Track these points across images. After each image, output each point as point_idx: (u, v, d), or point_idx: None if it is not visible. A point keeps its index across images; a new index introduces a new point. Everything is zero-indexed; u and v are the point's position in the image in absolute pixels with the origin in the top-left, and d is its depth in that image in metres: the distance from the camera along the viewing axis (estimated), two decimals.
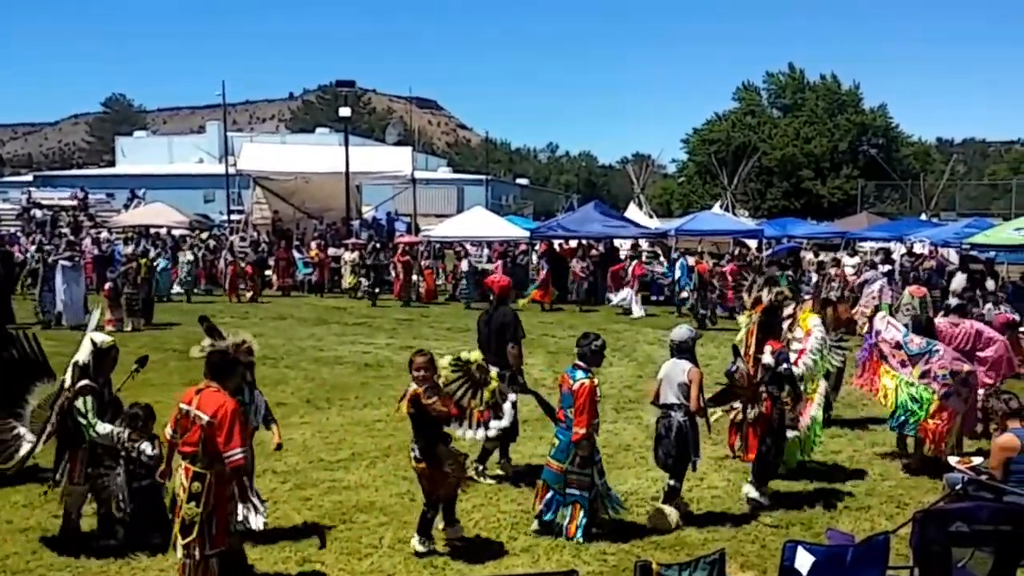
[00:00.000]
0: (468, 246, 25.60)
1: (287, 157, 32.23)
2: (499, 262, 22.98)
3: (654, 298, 22.24)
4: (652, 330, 17.51)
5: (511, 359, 7.59)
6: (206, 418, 4.89)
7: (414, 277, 22.97)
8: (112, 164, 68.43)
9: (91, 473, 5.96)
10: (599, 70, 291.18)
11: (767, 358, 6.88)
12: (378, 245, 24.46)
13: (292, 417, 9.84)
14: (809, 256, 26.08)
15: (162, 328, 17.30)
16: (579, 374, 6.26)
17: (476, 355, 6.45)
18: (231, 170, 34.33)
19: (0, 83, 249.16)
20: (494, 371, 6.48)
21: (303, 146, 41.21)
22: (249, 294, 22.56)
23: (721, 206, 38.78)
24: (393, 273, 22.96)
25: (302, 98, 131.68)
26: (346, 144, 28.96)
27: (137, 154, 64.15)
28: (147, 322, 17.53)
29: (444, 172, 64.65)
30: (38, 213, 35.28)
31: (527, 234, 25.45)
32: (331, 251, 24.76)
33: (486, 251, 25.73)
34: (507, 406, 6.38)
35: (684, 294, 19.71)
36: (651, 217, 35.89)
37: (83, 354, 6.03)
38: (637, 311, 19.93)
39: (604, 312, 20.72)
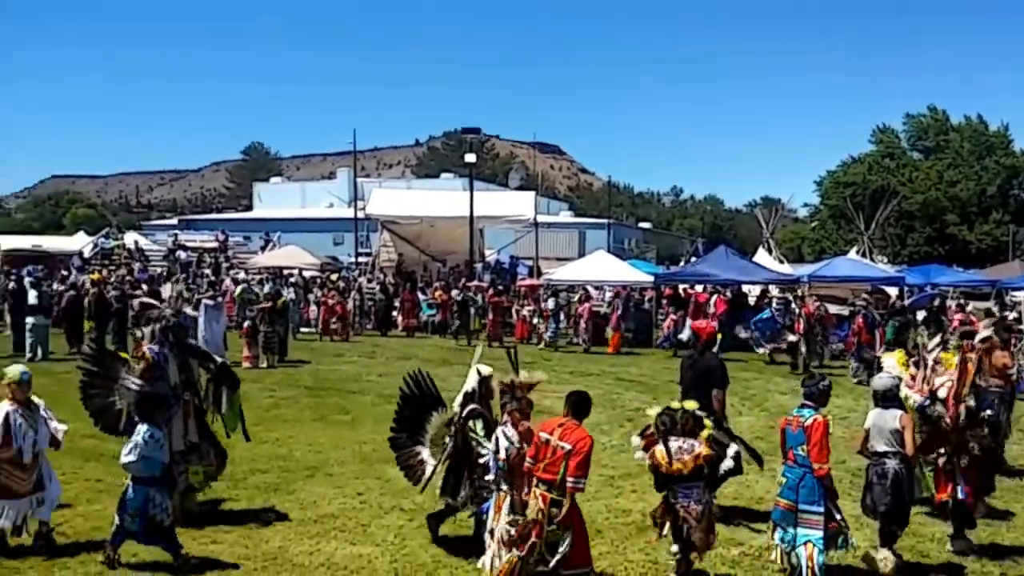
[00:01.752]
0: (590, 289, 25.63)
1: (413, 202, 33.41)
2: (617, 302, 22.98)
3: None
4: (783, 379, 16.93)
5: (716, 404, 7.60)
6: (568, 447, 5.52)
7: (535, 321, 23.17)
8: (249, 208, 72.86)
9: (475, 488, 6.65)
10: (726, 113, 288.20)
11: (970, 401, 7.01)
12: (500, 288, 24.88)
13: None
14: (952, 305, 24.64)
15: (295, 365, 18.12)
16: (807, 412, 6.34)
17: (691, 404, 6.54)
18: (360, 214, 35.85)
19: (150, 133, 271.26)
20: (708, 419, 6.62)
21: (429, 191, 42.62)
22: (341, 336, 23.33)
23: (858, 251, 37.28)
24: (489, 314, 23.25)
25: (428, 144, 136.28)
26: (471, 189, 29.75)
27: (273, 199, 68.03)
28: (281, 359, 18.42)
29: (566, 216, 65.11)
30: (183, 254, 37.87)
31: (651, 278, 25.24)
32: (454, 293, 25.33)
33: (607, 294, 25.75)
34: (731, 450, 6.75)
35: (791, 337, 19.23)
36: (781, 262, 34.90)
37: (471, 383, 6.82)
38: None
39: (730, 361, 20.19)
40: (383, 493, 8.46)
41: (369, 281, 29.17)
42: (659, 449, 6.23)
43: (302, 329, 24.01)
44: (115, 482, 8.45)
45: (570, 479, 5.53)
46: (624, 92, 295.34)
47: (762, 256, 33.39)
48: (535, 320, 23.43)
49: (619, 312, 22.24)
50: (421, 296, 26.39)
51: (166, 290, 20.99)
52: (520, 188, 43.44)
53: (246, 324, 18.56)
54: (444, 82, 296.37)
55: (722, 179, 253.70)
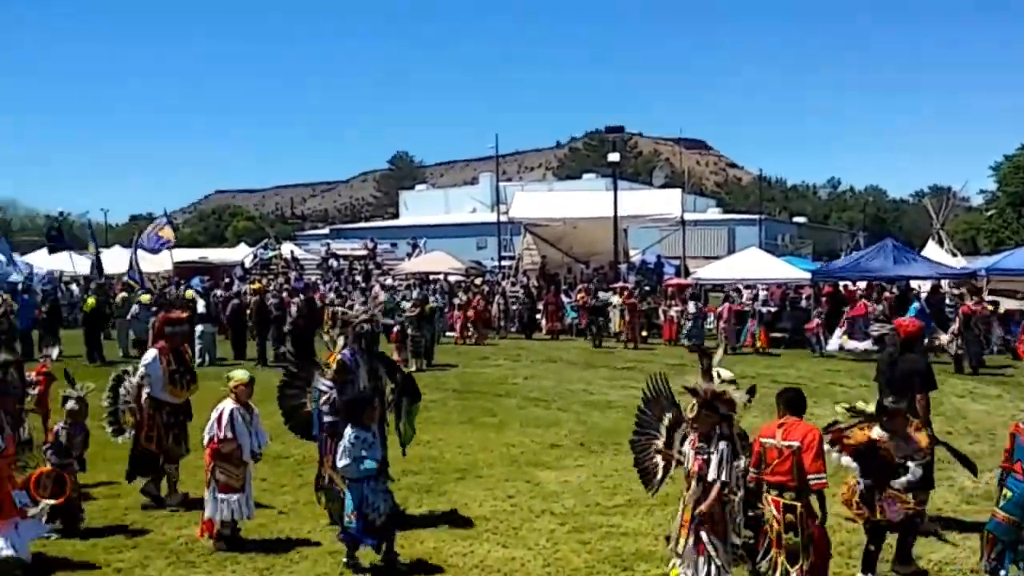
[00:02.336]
0: (741, 288, 24.87)
1: (556, 204, 33.59)
2: (762, 302, 22.26)
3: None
4: (959, 381, 15.80)
5: (920, 409, 7.22)
6: (796, 444, 5.42)
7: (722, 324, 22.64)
8: (396, 216, 75.64)
9: None
10: (886, 98, 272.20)
11: None
12: (647, 288, 24.57)
13: (567, 460, 10.09)
14: None
15: (442, 369, 18.61)
16: None
17: (871, 407, 6.38)
18: (502, 218, 36.37)
19: (303, 147, 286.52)
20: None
21: (571, 192, 42.71)
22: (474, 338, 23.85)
23: None
24: (623, 315, 23.01)
25: (569, 146, 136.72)
26: (614, 188, 29.56)
27: (418, 206, 70.36)
28: (429, 363, 18.97)
29: (714, 213, 63.64)
30: (334, 263, 39.79)
31: (807, 275, 24.17)
32: (600, 295, 25.22)
33: (762, 293, 24.87)
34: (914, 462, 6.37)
35: (943, 337, 17.96)
36: (954, 255, 32.54)
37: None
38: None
39: None
40: (533, 496, 8.52)
41: (512, 284, 29.55)
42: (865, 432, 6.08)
43: (447, 333, 24.63)
44: (277, 482, 8.98)
45: (810, 475, 5.36)
46: (773, 82, 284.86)
47: (932, 249, 31.24)
48: (683, 321, 22.99)
49: (767, 310, 21.48)
50: (565, 299, 26.47)
51: (356, 298, 22.14)
52: (665, 186, 42.83)
53: (395, 329, 19.23)
54: (584, 83, 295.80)
55: (884, 168, 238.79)
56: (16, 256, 31.17)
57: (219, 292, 26.22)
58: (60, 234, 34.11)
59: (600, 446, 10.82)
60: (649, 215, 31.11)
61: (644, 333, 23.18)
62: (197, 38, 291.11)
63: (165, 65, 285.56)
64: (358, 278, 34.27)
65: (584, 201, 33.11)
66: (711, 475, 5.42)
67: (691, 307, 22.32)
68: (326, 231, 68.47)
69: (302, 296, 21.85)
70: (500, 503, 8.33)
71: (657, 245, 35.03)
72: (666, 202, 31.82)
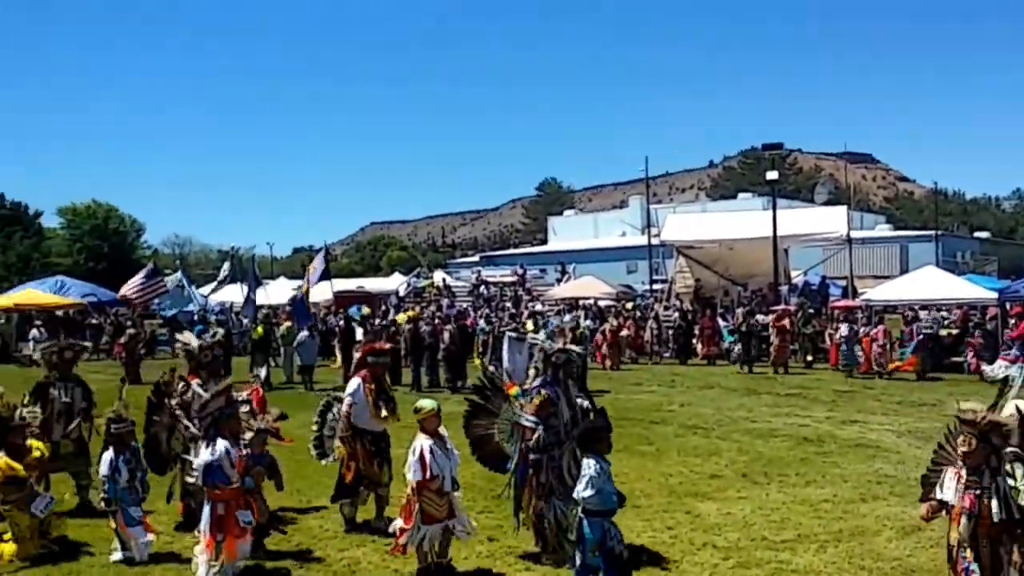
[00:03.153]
0: (919, 310, 23.36)
1: (710, 225, 32.88)
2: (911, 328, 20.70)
3: None
4: None
5: None
6: None
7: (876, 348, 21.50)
8: (544, 242, 76.39)
9: None
10: None
11: None
12: (811, 311, 23.55)
13: (728, 491, 9.73)
14: None
15: (595, 394, 18.44)
16: None
17: None
18: (654, 241, 35.92)
19: (452, 178, 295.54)
20: None
21: (725, 213, 41.71)
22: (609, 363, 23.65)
23: None
24: (775, 338, 22.10)
25: (722, 165, 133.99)
26: (773, 207, 28.62)
27: (567, 231, 70.78)
28: (581, 389, 18.88)
29: (883, 230, 60.35)
30: (485, 289, 40.57)
31: (993, 295, 22.39)
32: (759, 318, 24.38)
33: (925, 315, 23.27)
34: None
35: None
36: None
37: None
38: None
39: None
40: (693, 528, 8.27)
41: (666, 308, 29.09)
42: None
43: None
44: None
45: None
46: (945, 89, 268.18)
47: None
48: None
49: (946, 332, 20.08)
50: (722, 322, 25.75)
51: (530, 323, 22.79)
52: (828, 202, 41.11)
53: None
54: (737, 100, 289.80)
55: None
56: (193, 288, 33.75)
57: (376, 320, 27.30)
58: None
59: (764, 477, 10.38)
60: (811, 234, 29.87)
61: (809, 358, 22.22)
62: (352, 81, 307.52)
63: (324, 105, 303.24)
64: (508, 304, 34.74)
65: (740, 221, 32.24)
66: (997, 514, 5.00)
67: (843, 330, 21.22)
68: (476, 258, 70.00)
69: (454, 323, 22.35)
70: (659, 534, 8.13)
71: (821, 265, 33.56)
72: (830, 220, 30.46)
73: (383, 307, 33.74)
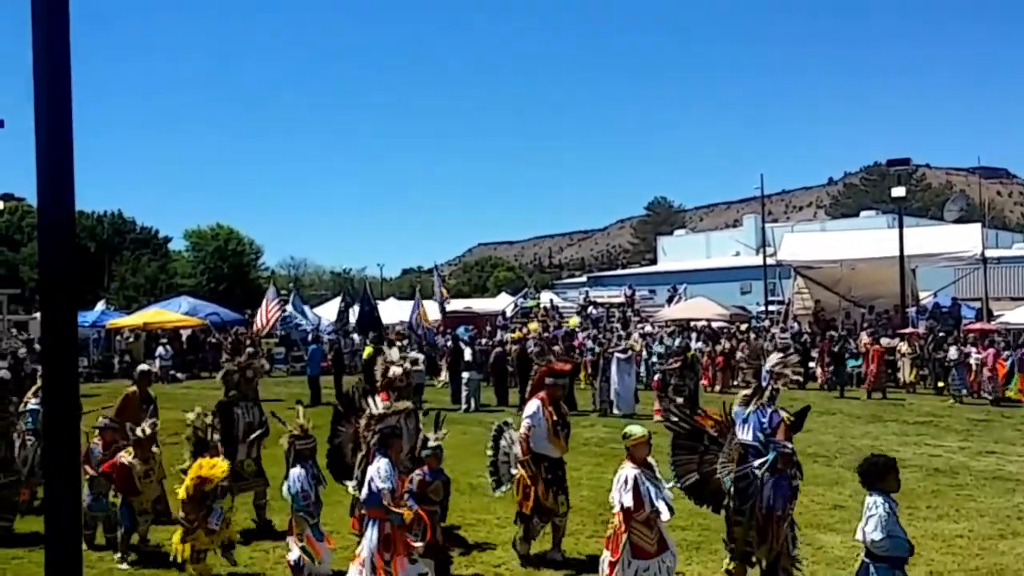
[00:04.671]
0: None
1: (830, 244, 31.93)
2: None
3: None
4: None
5: None
6: None
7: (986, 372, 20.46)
8: (654, 262, 75.54)
9: None
10: None
11: None
12: (941, 334, 22.43)
13: (853, 522, 9.21)
14: None
15: None
16: None
17: None
18: (770, 261, 35.04)
19: (562, 198, 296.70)
20: None
21: (847, 232, 40.33)
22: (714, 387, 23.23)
23: None
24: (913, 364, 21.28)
25: (843, 182, 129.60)
26: (899, 226, 27.53)
27: (677, 251, 69.76)
28: (693, 413, 18.54)
29: (1020, 248, 56.92)
30: (593, 310, 40.40)
31: None
32: (884, 341, 23.37)
33: None
34: None
35: None
36: None
37: None
38: None
39: None
40: (816, 561, 8.04)
41: (783, 331, 28.27)
42: None
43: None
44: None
45: None
46: None
47: None
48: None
49: None
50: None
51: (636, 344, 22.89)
52: (959, 220, 39.10)
53: (656, 377, 19.08)
54: (859, 113, 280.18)
55: None
56: (307, 308, 35.01)
57: (483, 340, 27.62)
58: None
59: None
60: (942, 253, 28.56)
61: (941, 384, 21.15)
62: (461, 101, 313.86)
63: (433, 127, 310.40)
64: (617, 325, 34.48)
65: (862, 240, 31.19)
66: None
67: (952, 353, 20.15)
68: (583, 279, 69.84)
69: (562, 344, 22.35)
70: None
71: (952, 286, 31.97)
72: (962, 238, 29.09)
73: (489, 328, 34.07)
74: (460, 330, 30.41)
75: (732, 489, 6.91)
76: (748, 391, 7.60)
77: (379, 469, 6.52)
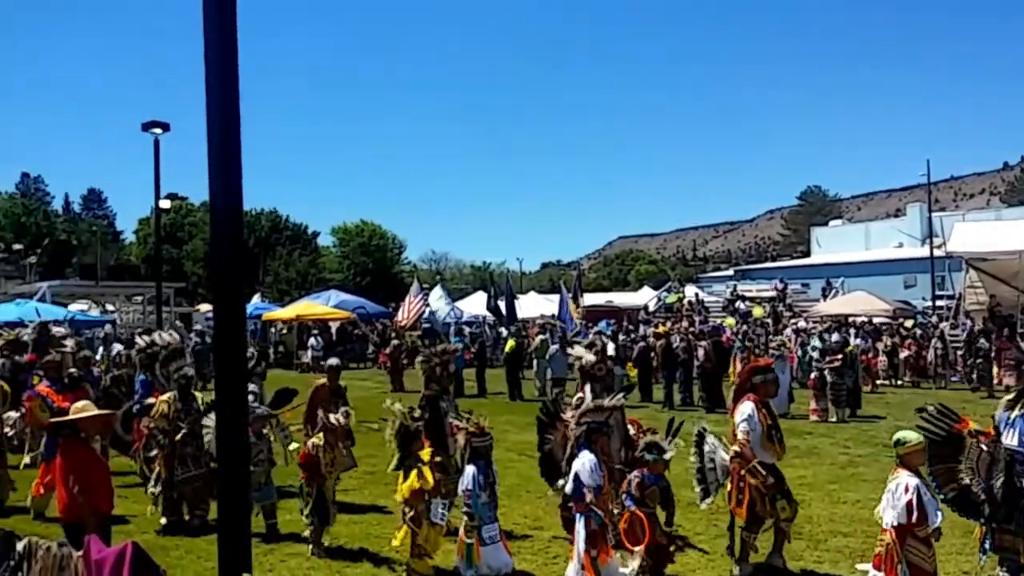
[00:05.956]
0: None
1: (1007, 234, 29.64)
2: None
3: None
4: None
5: None
6: None
7: None
8: (807, 254, 72.75)
9: None
10: None
11: None
12: None
13: None
14: None
15: (869, 420, 17.27)
16: None
17: None
18: (938, 252, 33.03)
19: (706, 189, 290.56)
20: None
21: None
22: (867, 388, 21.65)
23: None
24: None
25: (1020, 167, 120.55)
26: None
27: (832, 243, 66.93)
28: (852, 413, 17.75)
29: None
30: (741, 305, 39.32)
31: None
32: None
33: None
34: None
35: None
36: None
37: None
38: None
39: None
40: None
41: (952, 327, 26.59)
42: None
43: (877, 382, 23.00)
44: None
45: None
46: None
47: None
48: None
49: None
50: None
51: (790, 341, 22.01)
52: None
53: (813, 375, 18.38)
54: None
55: None
56: (449, 301, 35.79)
57: (623, 336, 27.42)
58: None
59: None
60: None
61: None
62: (599, 92, 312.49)
63: (569, 118, 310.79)
64: (767, 321, 33.42)
65: None
66: None
67: None
68: (730, 272, 68.13)
69: (709, 339, 21.86)
70: None
71: None
72: None
73: (630, 323, 33.77)
74: (602, 324, 30.29)
75: (999, 495, 6.58)
76: (1011, 396, 7.11)
77: (584, 464, 6.44)
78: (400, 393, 14.29)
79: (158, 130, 23.12)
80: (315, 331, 31.89)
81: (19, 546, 4.55)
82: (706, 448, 7.68)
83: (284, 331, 34.34)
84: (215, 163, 3.70)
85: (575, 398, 8.45)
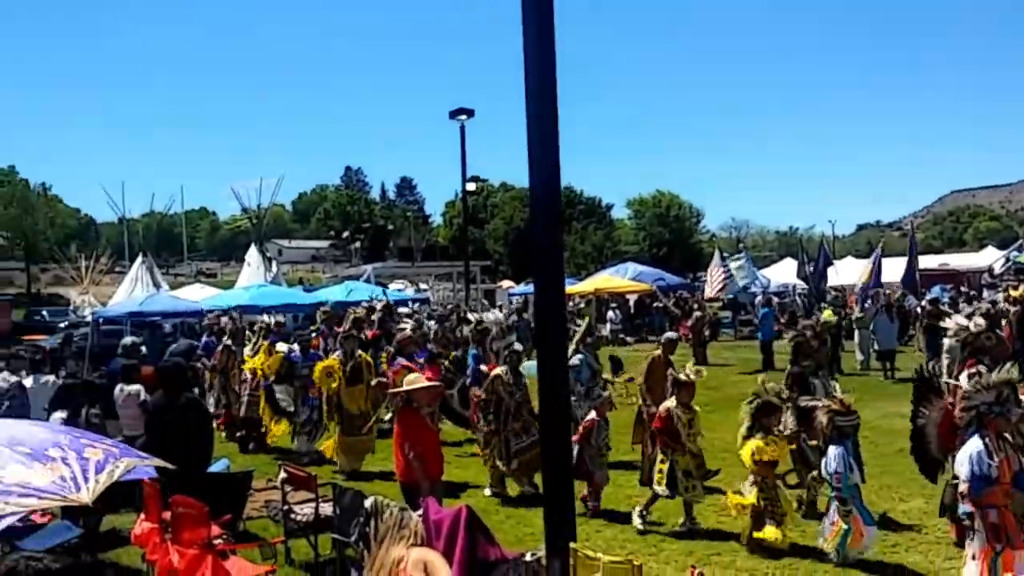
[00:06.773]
0: None
1: None
2: None
3: None
4: None
5: None
6: None
7: None
8: None
9: None
10: None
11: None
12: None
13: None
14: None
15: None
16: None
17: None
18: None
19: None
20: None
21: None
22: None
23: None
24: None
25: None
26: None
27: None
28: None
29: None
30: None
31: None
32: None
33: None
34: None
35: None
36: None
37: None
38: None
39: None
40: None
41: None
42: None
43: None
44: None
45: None
46: None
47: None
48: None
49: None
50: None
51: None
52: None
53: None
54: None
55: None
56: (755, 270, 34.74)
57: (963, 303, 24.94)
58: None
59: None
60: None
61: None
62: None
63: (884, 57, 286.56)
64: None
65: None
66: None
67: None
68: None
69: None
70: None
71: None
72: None
73: (970, 288, 30.64)
74: (935, 290, 27.91)
75: None
76: None
77: (971, 453, 5.90)
78: (703, 366, 14.12)
79: (464, 117, 24.76)
80: (613, 304, 32.44)
81: (367, 503, 5.21)
82: None
83: (582, 305, 35.31)
84: (535, 144, 3.93)
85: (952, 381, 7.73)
